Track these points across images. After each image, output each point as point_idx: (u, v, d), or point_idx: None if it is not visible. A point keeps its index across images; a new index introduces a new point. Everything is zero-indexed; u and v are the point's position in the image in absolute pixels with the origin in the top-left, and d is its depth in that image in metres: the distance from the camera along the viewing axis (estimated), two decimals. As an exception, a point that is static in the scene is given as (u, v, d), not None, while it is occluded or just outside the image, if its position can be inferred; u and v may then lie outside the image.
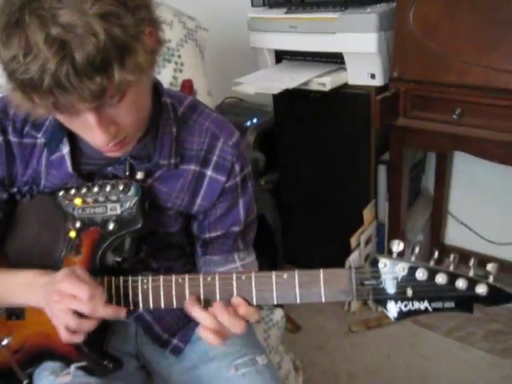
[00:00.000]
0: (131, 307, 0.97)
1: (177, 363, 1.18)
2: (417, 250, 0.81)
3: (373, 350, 2.01)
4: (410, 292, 0.81)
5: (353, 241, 2.03)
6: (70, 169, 1.01)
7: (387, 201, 2.04)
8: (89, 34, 0.70)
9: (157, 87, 1.02)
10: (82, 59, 0.71)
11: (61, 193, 1.04)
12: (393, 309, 0.82)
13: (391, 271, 0.82)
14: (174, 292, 0.94)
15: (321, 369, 1.96)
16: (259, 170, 2.47)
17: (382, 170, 2.02)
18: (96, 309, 0.91)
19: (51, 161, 1.03)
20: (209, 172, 1.05)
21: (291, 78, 1.82)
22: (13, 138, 1.02)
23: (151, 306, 0.96)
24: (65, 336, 0.94)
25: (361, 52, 1.78)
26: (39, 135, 1.03)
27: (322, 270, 0.86)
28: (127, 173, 1.03)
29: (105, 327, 1.09)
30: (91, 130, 0.84)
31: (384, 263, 0.82)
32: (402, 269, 0.81)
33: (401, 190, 1.93)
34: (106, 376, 1.07)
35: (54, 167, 1.03)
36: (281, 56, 2.10)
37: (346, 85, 1.90)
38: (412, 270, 0.80)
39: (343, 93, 1.92)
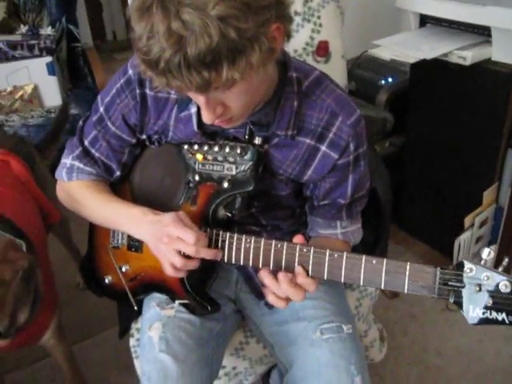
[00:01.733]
0: (233, 261, 1.06)
1: (269, 315, 1.27)
2: (506, 260, 0.82)
3: (465, 331, 1.99)
4: (490, 301, 0.82)
5: (467, 220, 1.98)
6: (195, 127, 1.09)
7: (511, 187, 1.94)
8: (204, 34, 0.76)
9: (285, 61, 1.06)
10: (193, 55, 0.77)
11: (185, 146, 1.14)
12: (471, 314, 0.84)
13: (475, 278, 0.83)
14: (272, 255, 1.01)
15: (410, 338, 1.98)
16: (386, 131, 2.44)
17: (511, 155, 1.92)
18: (199, 251, 1.02)
19: (180, 117, 1.11)
20: (323, 147, 1.08)
21: (431, 48, 1.76)
22: (149, 92, 1.11)
23: (250, 263, 1.04)
24: (169, 272, 1.06)
25: (511, 29, 1.67)
26: (172, 91, 1.11)
27: (409, 263, 0.89)
28: (246, 136, 1.09)
29: (210, 271, 1.21)
30: (201, 107, 0.92)
31: (470, 268, 0.84)
32: (486, 277, 0.82)
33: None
34: (204, 316, 1.20)
35: (182, 123, 1.12)
36: (425, 20, 2.01)
37: (488, 60, 1.80)
38: (497, 281, 0.82)
39: (484, 68, 1.82)
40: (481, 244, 2.10)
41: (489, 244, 2.12)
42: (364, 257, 0.93)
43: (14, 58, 2.46)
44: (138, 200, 1.22)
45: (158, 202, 1.17)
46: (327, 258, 0.96)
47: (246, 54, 0.80)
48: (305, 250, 0.98)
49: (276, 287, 0.98)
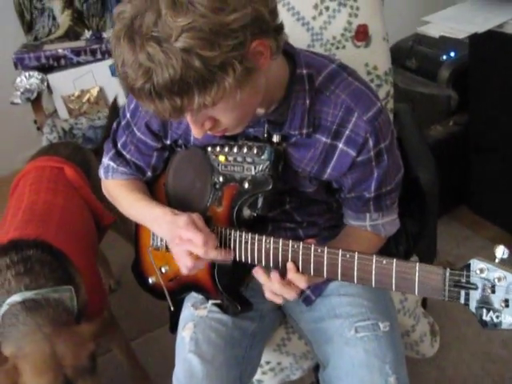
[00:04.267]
0: (256, 263, 1.06)
1: (307, 312, 1.26)
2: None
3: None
4: (502, 304, 0.76)
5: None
6: None
7: None
8: (168, 65, 0.77)
9: (294, 58, 1.03)
10: (160, 85, 0.78)
11: (209, 148, 1.14)
12: (484, 317, 0.79)
13: (487, 278, 0.78)
14: (289, 255, 1.00)
15: (475, 329, 1.87)
16: (450, 109, 2.32)
17: None
18: (208, 252, 1.04)
19: None
20: (340, 145, 1.04)
21: (485, 19, 1.64)
22: None
23: (271, 264, 1.03)
24: (183, 270, 1.09)
25: None
26: None
27: (418, 263, 0.85)
28: (265, 135, 1.08)
29: (239, 270, 1.22)
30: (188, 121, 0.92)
31: (481, 269, 0.78)
32: (498, 279, 0.76)
33: None
34: (237, 316, 1.21)
35: None
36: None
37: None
38: (510, 281, 0.76)
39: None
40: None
41: None
42: (374, 257, 0.90)
43: (79, 64, 2.57)
44: (172, 202, 1.25)
45: (189, 204, 1.20)
46: (340, 259, 0.94)
47: (216, 81, 0.80)
48: (319, 251, 0.96)
49: (270, 285, 1.01)
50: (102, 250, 2.22)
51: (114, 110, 2.29)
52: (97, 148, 2.05)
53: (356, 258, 0.92)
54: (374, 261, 0.89)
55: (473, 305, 0.80)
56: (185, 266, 1.08)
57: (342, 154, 1.05)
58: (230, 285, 1.17)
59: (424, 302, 1.61)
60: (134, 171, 1.25)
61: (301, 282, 0.99)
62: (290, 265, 0.99)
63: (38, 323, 1.27)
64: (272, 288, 1.02)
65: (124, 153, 1.24)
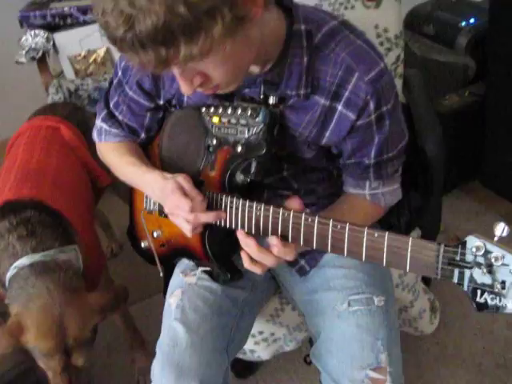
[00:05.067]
0: (246, 229, 1.01)
1: (301, 283, 1.22)
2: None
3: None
4: (498, 285, 0.70)
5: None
6: None
7: None
8: (150, 12, 0.70)
9: (291, 12, 0.96)
10: (143, 34, 0.72)
11: (203, 109, 1.09)
12: (478, 299, 0.73)
13: (484, 257, 0.72)
14: (279, 224, 0.95)
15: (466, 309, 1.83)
16: (467, 79, 2.22)
17: None
18: (197, 217, 1.00)
19: None
20: (339, 107, 0.98)
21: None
22: None
23: (261, 232, 0.99)
24: (187, 234, 1.04)
25: None
26: None
27: (411, 238, 0.79)
28: (261, 96, 1.01)
29: (231, 238, 1.17)
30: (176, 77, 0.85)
31: (477, 247, 0.71)
32: (495, 258, 0.70)
33: None
34: (227, 284, 1.17)
35: None
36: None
37: None
38: (508, 262, 0.70)
39: None
40: None
41: None
42: (366, 229, 0.84)
43: (86, 23, 2.50)
44: (166, 165, 1.20)
45: (182, 167, 1.15)
46: (330, 229, 0.88)
47: (203, 29, 0.73)
48: (309, 220, 0.91)
49: (249, 250, 0.96)
50: (105, 214, 2.20)
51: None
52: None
53: (347, 229, 0.86)
54: (365, 233, 0.84)
55: (466, 285, 0.74)
56: (185, 230, 1.04)
57: (341, 117, 0.99)
58: (220, 252, 1.13)
59: (427, 279, 1.56)
60: (126, 133, 1.21)
61: (289, 254, 0.95)
62: (274, 240, 0.94)
63: (49, 287, 1.25)
64: (251, 253, 0.96)
65: (116, 113, 1.20)
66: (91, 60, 2.53)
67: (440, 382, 1.65)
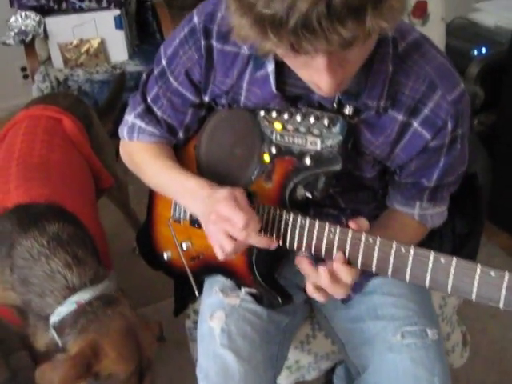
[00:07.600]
0: (294, 248, 0.94)
1: (342, 309, 1.13)
2: None
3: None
4: None
5: None
6: (273, 88, 0.93)
7: None
8: None
9: None
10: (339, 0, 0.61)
11: (262, 112, 0.99)
12: None
13: None
14: (361, 250, 0.86)
15: (490, 337, 1.82)
16: (475, 108, 2.21)
17: None
18: (249, 237, 0.89)
19: (255, 78, 0.95)
20: (415, 124, 0.91)
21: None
22: (216, 43, 0.96)
23: (324, 256, 0.91)
24: (219, 254, 0.93)
25: None
26: (245, 46, 0.94)
27: (479, 264, 0.75)
28: (335, 105, 0.92)
29: (279, 257, 1.07)
30: (318, 73, 0.74)
31: None
32: None
33: None
34: (274, 308, 1.07)
35: (258, 85, 0.96)
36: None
37: None
38: None
39: None
40: None
41: None
42: (432, 253, 0.79)
43: (82, 10, 2.36)
44: (203, 170, 1.09)
45: (225, 174, 1.05)
46: (392, 252, 0.82)
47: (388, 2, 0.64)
48: (370, 241, 0.84)
49: (317, 278, 0.87)
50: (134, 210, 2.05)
51: (121, 84, 2.09)
52: (97, 109, 1.86)
53: (412, 253, 0.80)
54: (431, 258, 0.78)
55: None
56: (221, 248, 0.91)
57: (415, 135, 0.92)
58: (269, 274, 1.03)
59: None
60: (164, 132, 1.09)
61: (348, 275, 0.86)
62: (338, 255, 0.86)
63: (121, 312, 1.18)
64: (318, 282, 0.88)
65: (155, 109, 1.07)
66: (83, 50, 2.39)
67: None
